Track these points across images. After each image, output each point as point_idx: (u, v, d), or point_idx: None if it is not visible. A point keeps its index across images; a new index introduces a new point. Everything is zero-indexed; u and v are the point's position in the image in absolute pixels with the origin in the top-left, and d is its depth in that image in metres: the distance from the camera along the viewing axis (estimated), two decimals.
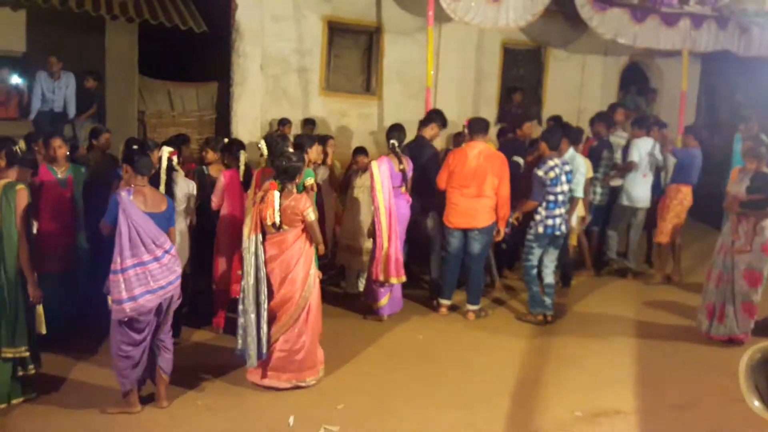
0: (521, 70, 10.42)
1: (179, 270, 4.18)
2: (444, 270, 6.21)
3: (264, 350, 4.45)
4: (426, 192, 6.21)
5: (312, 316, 4.61)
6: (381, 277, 5.74)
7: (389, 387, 4.67)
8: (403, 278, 5.87)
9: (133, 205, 3.97)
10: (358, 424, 4.14)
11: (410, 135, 6.47)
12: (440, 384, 4.75)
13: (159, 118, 8.92)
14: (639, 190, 7.38)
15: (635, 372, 5.09)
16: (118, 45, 8.49)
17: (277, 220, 4.39)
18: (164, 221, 4.14)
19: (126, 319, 3.94)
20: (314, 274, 4.61)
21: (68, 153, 5.27)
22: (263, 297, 4.42)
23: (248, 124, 8.85)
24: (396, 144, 5.84)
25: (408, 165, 5.92)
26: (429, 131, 6.42)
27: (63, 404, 4.20)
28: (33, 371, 4.23)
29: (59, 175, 5.06)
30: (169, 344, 4.25)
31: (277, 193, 4.39)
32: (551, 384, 4.81)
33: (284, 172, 4.45)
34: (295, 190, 4.52)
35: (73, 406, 4.17)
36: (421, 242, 6.52)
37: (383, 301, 5.92)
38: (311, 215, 4.46)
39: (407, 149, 6.26)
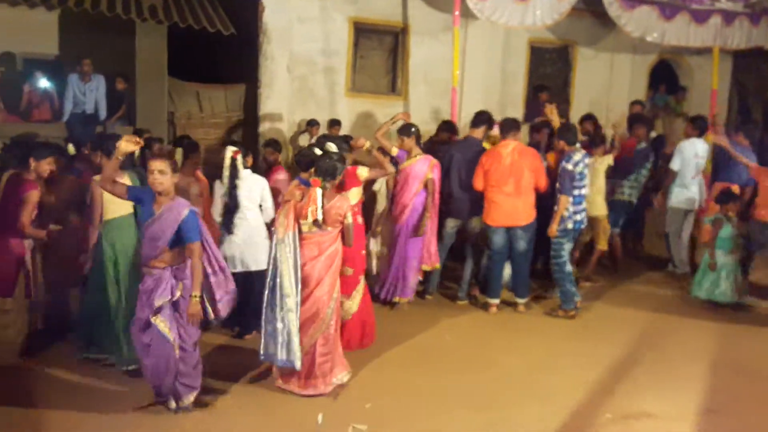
0: (548, 69, 10.34)
1: None
2: (490, 269, 6.26)
3: (296, 354, 4.36)
4: (473, 192, 6.30)
5: (337, 317, 4.64)
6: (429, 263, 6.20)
7: (417, 387, 4.67)
8: (437, 266, 6.32)
9: None
10: (387, 423, 4.15)
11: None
12: (469, 385, 4.74)
13: (188, 119, 9.03)
14: (688, 191, 7.27)
15: (666, 376, 5.03)
16: (148, 47, 8.62)
17: (320, 218, 4.33)
18: None
19: None
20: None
21: None
22: (297, 296, 4.35)
23: (275, 125, 8.92)
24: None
25: None
26: (479, 132, 6.48)
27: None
28: None
29: None
30: None
31: (319, 191, 4.35)
32: (581, 386, 4.76)
33: (326, 171, 4.42)
34: (331, 188, 4.50)
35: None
36: (462, 241, 6.58)
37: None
38: (350, 218, 4.48)
39: (456, 148, 6.34)
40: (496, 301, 6.27)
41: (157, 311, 3.92)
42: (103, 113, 8.51)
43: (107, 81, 8.57)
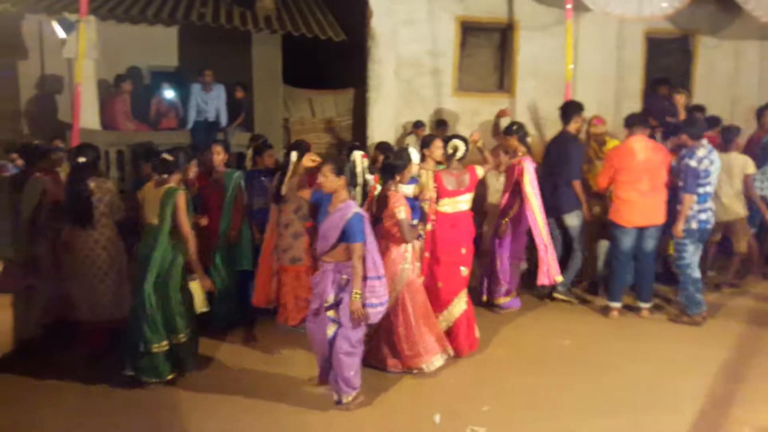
0: (667, 61, 9.81)
1: None
2: (614, 271, 6.06)
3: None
4: (569, 189, 6.18)
5: (412, 308, 4.71)
6: (547, 280, 5.72)
7: (535, 392, 4.58)
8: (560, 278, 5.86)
9: None
10: (505, 427, 4.10)
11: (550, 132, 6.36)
12: (589, 391, 4.59)
13: (302, 125, 9.35)
14: None
15: None
16: (264, 57, 8.97)
17: (374, 211, 4.65)
18: None
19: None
20: (407, 270, 4.69)
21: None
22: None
23: (383, 127, 9.05)
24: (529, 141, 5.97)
25: None
26: (573, 125, 6.31)
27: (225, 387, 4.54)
28: (184, 339, 4.65)
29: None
30: None
31: (378, 188, 4.67)
32: (711, 395, 4.49)
33: (385, 169, 4.69)
34: (394, 188, 4.65)
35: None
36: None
37: (510, 297, 6.05)
38: (400, 213, 4.51)
39: (551, 145, 6.21)
40: (618, 305, 6.03)
41: (329, 306, 4.23)
42: (223, 120, 8.93)
43: (226, 90, 9.00)
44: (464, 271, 5.16)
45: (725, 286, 6.74)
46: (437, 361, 4.81)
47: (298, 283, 5.48)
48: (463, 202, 5.22)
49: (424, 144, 5.36)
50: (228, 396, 4.46)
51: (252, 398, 4.43)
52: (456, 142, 5.20)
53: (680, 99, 6.90)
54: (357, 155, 5.09)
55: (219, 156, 5.65)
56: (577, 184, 6.19)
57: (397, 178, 4.67)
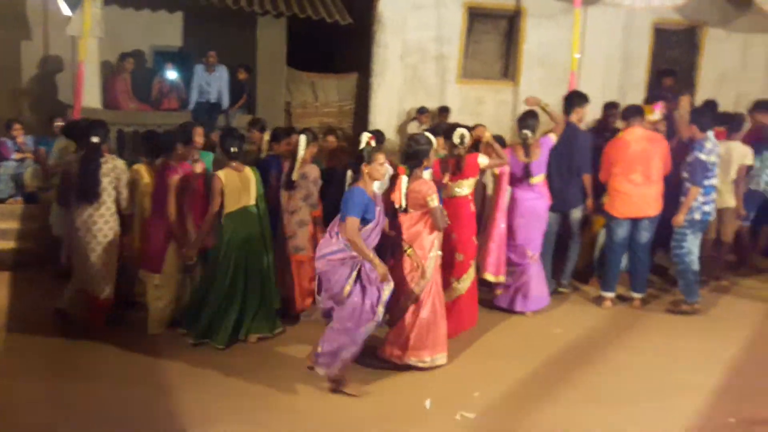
0: (674, 53, 9.74)
1: None
2: (608, 261, 6.06)
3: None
4: (579, 183, 6.11)
5: (431, 301, 4.58)
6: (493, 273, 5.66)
7: (526, 379, 4.59)
8: (501, 278, 5.66)
9: None
10: (495, 413, 4.11)
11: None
12: (581, 380, 4.59)
13: (303, 109, 9.29)
14: None
15: None
16: (268, 39, 8.88)
17: (403, 204, 4.48)
18: None
19: None
20: (433, 258, 4.55)
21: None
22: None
23: (385, 113, 9.03)
24: (529, 134, 5.62)
25: (539, 156, 5.67)
26: (575, 116, 6.19)
27: None
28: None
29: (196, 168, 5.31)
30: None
31: (405, 178, 4.46)
32: (703, 387, 4.49)
33: (411, 157, 4.52)
34: (422, 175, 4.54)
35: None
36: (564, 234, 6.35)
37: (497, 291, 5.86)
38: (433, 201, 4.44)
39: (562, 139, 6.11)
40: (612, 294, 6.04)
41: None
42: (225, 102, 8.86)
43: (229, 71, 8.95)
44: (459, 257, 5.09)
45: (712, 280, 6.67)
46: (441, 359, 4.67)
47: (301, 272, 5.43)
48: (459, 187, 5.14)
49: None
50: (226, 378, 4.51)
51: (250, 383, 4.44)
52: (462, 130, 5.11)
53: (684, 102, 6.76)
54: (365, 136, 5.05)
55: (201, 138, 5.54)
56: (587, 179, 6.09)
57: (425, 163, 4.56)
